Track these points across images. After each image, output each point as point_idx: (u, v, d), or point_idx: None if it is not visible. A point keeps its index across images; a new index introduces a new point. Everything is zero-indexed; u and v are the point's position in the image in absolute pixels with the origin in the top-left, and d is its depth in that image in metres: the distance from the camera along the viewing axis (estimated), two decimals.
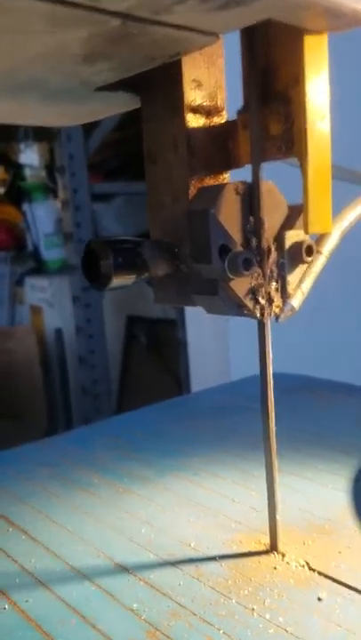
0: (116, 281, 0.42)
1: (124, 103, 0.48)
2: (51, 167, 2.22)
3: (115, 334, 2.16)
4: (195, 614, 0.40)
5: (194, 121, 0.43)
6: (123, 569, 0.46)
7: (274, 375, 0.46)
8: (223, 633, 0.38)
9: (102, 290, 0.43)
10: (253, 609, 0.40)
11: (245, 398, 0.86)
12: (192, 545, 0.49)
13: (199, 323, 1.62)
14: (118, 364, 2.19)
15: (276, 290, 0.44)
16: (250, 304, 0.43)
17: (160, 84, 0.44)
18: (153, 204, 0.46)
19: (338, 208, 0.46)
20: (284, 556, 0.47)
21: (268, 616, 0.40)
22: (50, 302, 2.20)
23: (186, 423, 0.80)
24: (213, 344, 1.60)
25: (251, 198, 0.41)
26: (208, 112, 0.44)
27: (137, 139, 0.48)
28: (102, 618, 0.40)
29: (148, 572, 0.46)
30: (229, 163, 0.45)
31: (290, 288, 0.44)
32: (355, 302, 1.37)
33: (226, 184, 0.43)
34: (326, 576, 0.44)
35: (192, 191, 0.43)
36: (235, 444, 0.70)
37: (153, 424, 0.81)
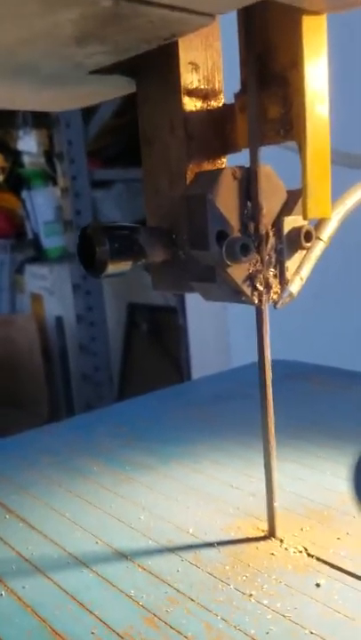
0: (112, 267, 0.42)
1: (120, 87, 0.47)
2: (50, 154, 2.20)
3: (115, 322, 2.16)
4: (193, 600, 0.40)
5: (191, 104, 0.43)
6: (121, 555, 0.47)
7: (273, 362, 0.46)
8: (221, 619, 0.38)
9: (98, 277, 0.43)
10: (251, 595, 0.41)
11: (246, 385, 0.86)
12: (191, 531, 0.49)
13: (200, 310, 1.61)
14: (119, 352, 2.18)
15: (275, 276, 0.43)
16: (248, 290, 0.42)
17: (156, 66, 0.43)
18: (149, 190, 0.46)
19: (337, 194, 0.45)
20: (282, 541, 0.47)
21: (266, 602, 0.40)
22: (50, 290, 2.19)
23: (187, 410, 0.80)
24: (214, 331, 1.59)
25: (248, 183, 0.41)
26: (205, 95, 0.43)
27: (136, 125, 0.47)
28: (99, 604, 0.41)
29: (146, 558, 0.46)
30: (227, 147, 0.44)
31: (288, 274, 0.43)
32: (356, 289, 1.36)
33: (223, 168, 0.42)
34: (325, 562, 0.44)
35: (189, 176, 0.43)
36: (235, 431, 0.70)
37: (154, 411, 0.81)
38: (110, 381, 2.14)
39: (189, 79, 0.42)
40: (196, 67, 0.42)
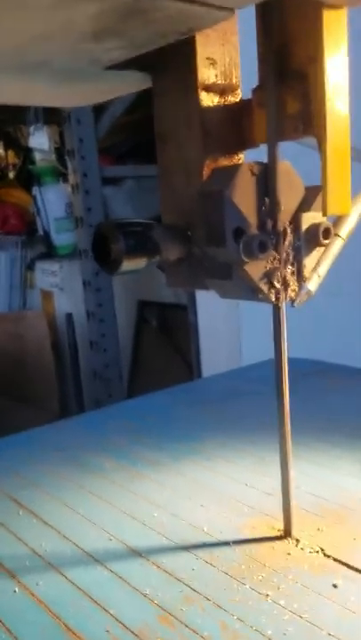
0: (127, 264, 0.41)
1: (135, 82, 0.47)
2: (61, 150, 2.20)
3: (126, 319, 2.16)
4: (208, 599, 0.40)
5: (208, 100, 0.42)
6: (135, 553, 0.46)
7: (289, 360, 0.45)
8: (237, 619, 0.38)
9: (113, 274, 0.42)
10: (268, 595, 0.40)
11: (256, 383, 0.86)
12: (205, 529, 0.49)
13: (210, 307, 1.61)
14: (129, 349, 2.18)
15: (292, 273, 0.43)
16: (265, 288, 0.42)
17: (173, 62, 0.43)
18: (165, 186, 0.46)
19: (355, 191, 0.45)
20: (298, 541, 0.46)
21: (282, 602, 0.39)
22: (60, 287, 2.19)
23: (197, 408, 0.80)
24: (224, 329, 1.59)
25: (266, 179, 0.40)
26: (222, 90, 0.43)
27: (147, 122, 0.47)
28: (114, 602, 0.40)
29: (160, 556, 0.46)
30: (244, 142, 0.44)
31: (306, 272, 0.43)
32: None
33: (241, 164, 0.42)
34: (341, 562, 0.43)
35: (206, 172, 0.43)
36: (246, 429, 0.69)
37: (165, 408, 0.80)
38: (120, 378, 2.14)
39: (206, 74, 0.42)
40: (213, 62, 0.42)
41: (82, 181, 1.98)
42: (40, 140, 2.26)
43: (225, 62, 0.43)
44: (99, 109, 1.99)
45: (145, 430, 0.72)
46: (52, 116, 2.16)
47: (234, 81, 0.43)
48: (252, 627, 0.37)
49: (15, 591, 0.42)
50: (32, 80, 0.46)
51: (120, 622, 0.38)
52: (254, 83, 0.42)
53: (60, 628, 0.38)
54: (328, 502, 0.52)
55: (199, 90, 0.42)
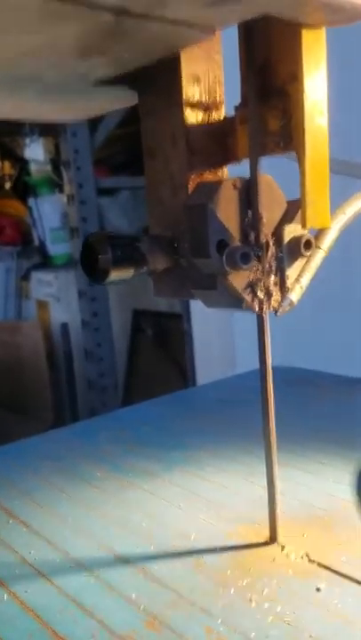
0: (115, 275, 0.43)
1: (124, 98, 0.48)
2: (56, 162, 2.22)
3: (121, 328, 2.17)
4: (194, 604, 0.41)
5: (192, 116, 0.43)
6: (123, 560, 0.47)
7: (275, 368, 0.46)
8: (222, 622, 0.39)
9: (101, 284, 0.43)
10: (252, 599, 0.41)
11: (250, 391, 0.86)
12: (193, 537, 0.50)
13: (205, 316, 1.62)
14: (124, 358, 2.19)
15: (275, 284, 0.44)
16: (248, 298, 0.43)
17: (158, 79, 0.44)
18: (152, 199, 0.47)
19: (338, 202, 0.46)
20: (283, 547, 0.47)
21: (266, 606, 0.40)
22: (56, 296, 2.21)
23: (191, 416, 0.81)
24: (219, 337, 1.60)
25: (249, 193, 0.42)
26: (207, 107, 0.44)
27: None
28: (101, 608, 0.41)
29: (148, 563, 0.46)
30: (228, 158, 0.45)
31: (289, 282, 0.44)
32: (357, 296, 1.37)
33: (224, 179, 0.43)
34: (325, 567, 0.44)
35: (191, 186, 0.44)
36: (239, 437, 0.70)
37: (158, 417, 0.81)
38: (115, 387, 2.14)
39: (191, 92, 0.43)
40: (197, 79, 0.43)
41: (77, 192, 2.00)
42: (36, 152, 2.28)
43: (209, 80, 0.44)
44: (94, 121, 2.01)
45: (138, 440, 0.72)
46: (47, 128, 2.18)
47: (218, 98, 0.44)
48: (236, 630, 0.38)
49: (4, 598, 0.43)
50: (23, 96, 0.47)
51: (107, 627, 0.39)
52: (237, 100, 0.44)
53: (47, 633, 0.39)
54: (314, 509, 0.53)
55: (184, 106, 0.43)
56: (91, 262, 0.43)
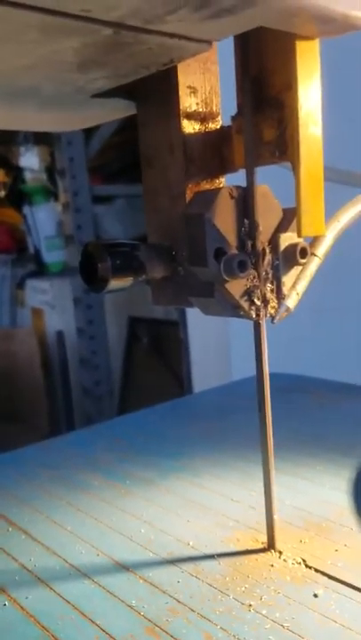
0: (114, 283, 0.43)
1: (120, 109, 0.49)
2: (51, 170, 2.23)
3: (116, 335, 2.17)
4: (193, 610, 0.41)
5: (189, 126, 0.44)
6: (122, 567, 0.47)
7: (272, 375, 0.47)
8: (221, 628, 0.39)
9: (100, 292, 0.44)
10: (250, 605, 0.41)
11: (246, 398, 0.86)
12: (191, 544, 0.50)
13: (201, 323, 1.62)
14: (120, 365, 2.19)
15: (272, 291, 0.44)
16: (245, 305, 0.43)
17: (155, 90, 0.45)
18: (150, 208, 0.47)
19: (333, 210, 0.47)
20: (281, 553, 0.47)
21: (264, 612, 0.40)
22: (51, 304, 2.21)
23: (187, 424, 0.81)
24: (215, 344, 1.60)
25: (245, 202, 0.42)
26: (203, 118, 0.44)
27: (137, 142, 0.48)
28: (101, 614, 0.41)
29: (146, 569, 0.46)
30: (225, 167, 0.45)
31: (285, 289, 0.45)
32: (354, 303, 1.37)
33: (221, 188, 0.44)
34: (323, 573, 0.45)
35: (189, 195, 0.44)
36: (236, 444, 0.70)
37: (155, 425, 0.81)
38: (111, 395, 2.14)
39: (188, 102, 0.44)
40: (194, 90, 0.44)
41: (72, 200, 2.00)
42: (31, 160, 2.29)
43: (206, 91, 0.45)
44: (89, 130, 2.02)
45: (134, 448, 0.73)
46: (42, 137, 2.19)
47: (214, 109, 0.45)
48: (234, 636, 0.38)
49: (5, 605, 0.43)
50: (20, 107, 0.48)
51: (107, 633, 0.39)
52: (234, 110, 0.44)
53: (48, 639, 0.39)
54: (311, 515, 0.53)
55: (181, 117, 0.44)
56: (90, 271, 0.44)
